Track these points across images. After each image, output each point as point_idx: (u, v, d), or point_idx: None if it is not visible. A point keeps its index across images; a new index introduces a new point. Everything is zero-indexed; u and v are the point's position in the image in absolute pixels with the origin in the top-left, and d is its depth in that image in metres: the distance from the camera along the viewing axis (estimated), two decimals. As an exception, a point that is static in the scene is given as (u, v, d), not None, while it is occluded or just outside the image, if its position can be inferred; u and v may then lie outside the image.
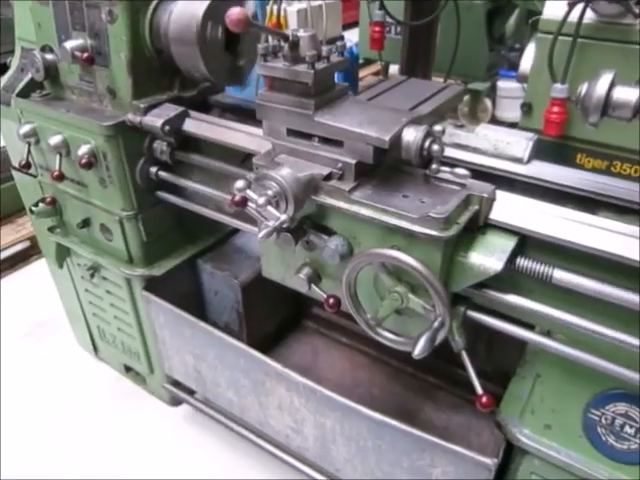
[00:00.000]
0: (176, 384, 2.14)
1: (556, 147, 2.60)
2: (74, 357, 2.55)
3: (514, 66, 4.19)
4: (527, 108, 2.65)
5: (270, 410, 1.77)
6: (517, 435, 1.31)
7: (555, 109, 2.42)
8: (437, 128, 1.11)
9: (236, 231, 2.14)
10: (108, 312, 2.16)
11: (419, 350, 1.08)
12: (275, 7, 3.04)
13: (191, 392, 2.14)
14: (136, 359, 2.21)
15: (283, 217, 1.10)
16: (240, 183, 1.12)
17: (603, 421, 1.21)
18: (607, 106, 1.05)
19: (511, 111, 4.18)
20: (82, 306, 2.29)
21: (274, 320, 2.28)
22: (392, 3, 3.21)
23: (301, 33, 1.16)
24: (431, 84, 1.57)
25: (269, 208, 1.11)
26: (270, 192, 1.12)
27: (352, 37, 4.91)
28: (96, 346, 2.43)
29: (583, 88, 1.08)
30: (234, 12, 1.00)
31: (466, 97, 4.34)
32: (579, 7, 2.21)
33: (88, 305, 2.25)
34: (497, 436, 1.54)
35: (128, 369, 2.37)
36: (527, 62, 2.75)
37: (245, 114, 1.74)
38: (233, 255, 2.08)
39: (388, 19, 3.46)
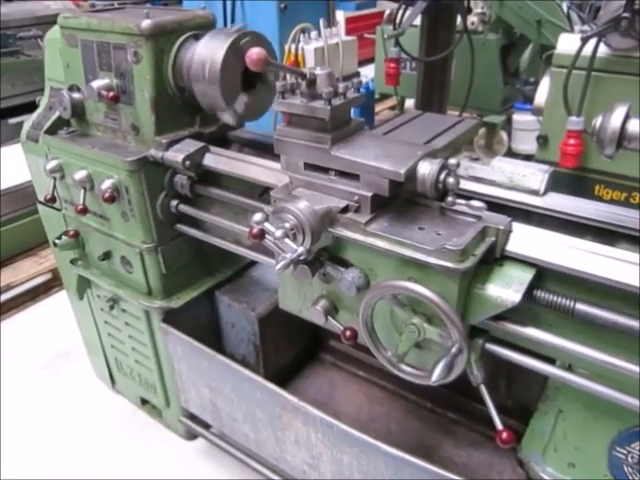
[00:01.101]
0: (192, 417, 2.13)
1: (573, 179, 2.60)
2: (91, 389, 2.56)
3: (529, 99, 4.23)
4: (543, 140, 2.67)
5: (287, 445, 1.75)
6: (540, 473, 1.27)
7: (571, 141, 2.43)
8: (452, 161, 1.12)
9: (253, 263, 2.16)
10: (126, 344, 2.17)
11: (436, 376, 1.07)
12: (293, 46, 3.13)
13: (207, 426, 2.12)
14: (152, 392, 2.21)
15: (300, 249, 1.11)
16: (258, 216, 1.14)
17: (630, 460, 1.17)
18: (622, 138, 1.06)
19: (527, 143, 4.20)
20: (101, 338, 2.31)
21: (291, 352, 2.26)
22: (407, 39, 3.29)
23: (318, 71, 1.20)
24: (446, 118, 1.60)
25: (286, 240, 1.12)
26: (287, 225, 1.14)
27: (368, 73, 5.03)
28: (113, 378, 2.44)
29: (598, 121, 1.09)
30: (254, 52, 1.04)
31: (482, 130, 4.38)
32: (592, 41, 2.25)
33: (107, 337, 2.27)
34: (519, 474, 1.50)
35: (144, 402, 2.37)
36: (542, 95, 2.79)
37: (263, 149, 1.78)
38: (250, 287, 2.09)
39: (403, 55, 3.55)
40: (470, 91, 3.87)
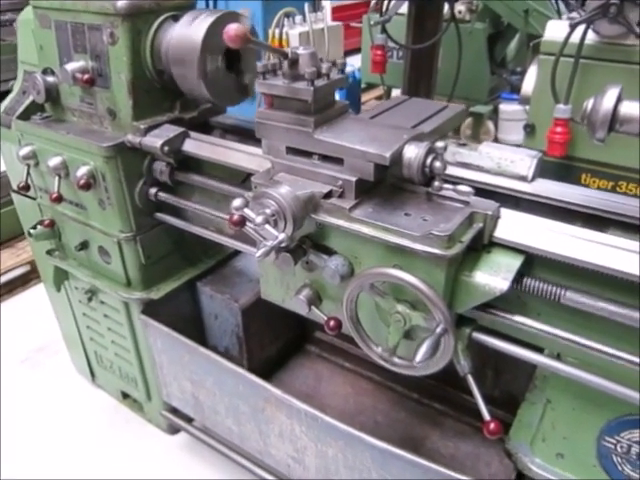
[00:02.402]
0: (174, 411, 2.08)
1: (560, 168, 2.58)
2: (71, 383, 2.49)
3: (516, 89, 4.21)
4: (530, 129, 2.64)
5: (271, 438, 1.71)
6: (528, 464, 1.25)
7: (558, 129, 2.41)
8: (439, 145, 1.08)
9: (237, 253, 2.12)
10: (105, 337, 2.12)
11: (421, 356, 1.02)
12: (277, 30, 3.06)
13: (189, 420, 2.08)
14: (133, 385, 2.16)
15: (281, 236, 1.07)
16: (237, 202, 1.09)
17: (618, 449, 1.15)
18: (614, 121, 1.02)
19: (514, 133, 4.18)
20: (79, 331, 2.25)
21: (276, 344, 2.22)
22: (394, 28, 3.24)
23: (301, 51, 1.15)
24: (432, 103, 1.55)
25: (267, 227, 1.08)
26: (268, 211, 1.09)
27: (355, 63, 4.97)
28: (93, 372, 2.38)
29: (589, 103, 1.06)
30: (232, 28, 0.99)
31: (468, 120, 4.36)
32: (580, 28, 2.22)
33: (86, 330, 2.21)
34: (507, 466, 1.47)
35: (125, 396, 2.32)
36: (529, 84, 2.76)
37: (246, 135, 1.73)
38: (233, 278, 2.04)
39: (390, 44, 3.50)
40: (457, 80, 3.83)
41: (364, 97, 5.50)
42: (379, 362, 1.21)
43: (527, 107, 2.98)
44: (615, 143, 2.40)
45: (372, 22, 3.40)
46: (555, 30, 2.35)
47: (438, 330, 1.04)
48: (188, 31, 1.53)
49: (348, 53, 6.23)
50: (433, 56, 3.71)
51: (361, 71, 4.83)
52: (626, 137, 2.31)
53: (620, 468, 1.16)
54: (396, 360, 1.19)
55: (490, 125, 4.40)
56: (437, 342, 1.04)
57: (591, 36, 2.24)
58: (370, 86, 5.53)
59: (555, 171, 2.57)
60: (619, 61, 2.25)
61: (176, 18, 1.60)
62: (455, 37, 3.65)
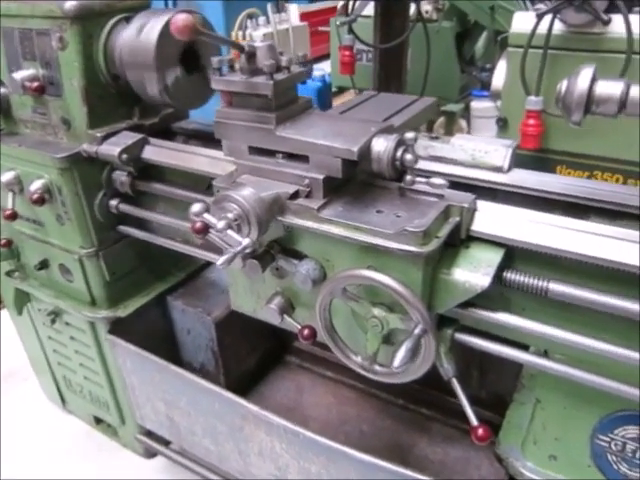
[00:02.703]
0: (149, 434, 1.98)
1: (535, 161, 2.55)
2: (41, 411, 2.37)
3: (486, 86, 4.21)
4: (503, 123, 2.62)
5: (250, 457, 1.62)
6: (520, 469, 1.18)
7: (531, 121, 2.38)
8: (409, 136, 1.02)
9: (209, 264, 2.03)
10: (73, 360, 2.01)
11: (399, 361, 0.95)
12: (240, 33, 2.99)
13: (166, 442, 1.98)
14: (105, 409, 2.05)
15: (246, 241, 0.99)
16: (197, 207, 1.02)
17: (613, 447, 1.09)
18: (590, 102, 0.97)
19: (486, 130, 4.17)
20: (46, 355, 2.13)
21: (254, 357, 2.14)
22: (361, 29, 3.20)
23: (258, 43, 1.08)
24: (402, 97, 1.50)
25: (230, 232, 1.00)
26: (230, 215, 1.01)
27: (325, 68, 4.93)
28: (63, 397, 2.26)
29: (563, 85, 1.01)
30: (179, 19, 0.91)
31: (441, 119, 4.34)
32: (547, 18, 2.20)
33: (52, 354, 2.09)
34: (497, 468, 1.41)
35: (98, 421, 2.20)
36: (499, 78, 2.74)
37: (211, 140, 1.64)
38: (206, 290, 1.95)
39: (359, 46, 3.46)
40: (427, 80, 3.80)
41: (336, 101, 5.45)
42: (360, 372, 1.14)
43: (498, 103, 2.96)
44: (589, 133, 2.39)
45: (338, 22, 3.35)
46: (522, 22, 2.33)
47: (417, 331, 0.97)
48: (143, 30, 1.45)
49: (318, 59, 6.21)
50: (402, 56, 3.68)
51: (331, 75, 4.79)
52: (600, 126, 2.29)
53: (616, 467, 1.10)
54: (377, 368, 1.12)
55: (463, 123, 4.39)
56: (416, 344, 0.97)
57: (558, 26, 2.22)
58: (341, 90, 5.48)
59: (530, 164, 2.53)
60: (587, 50, 2.24)
61: (129, 20, 1.52)
62: (423, 37, 3.63)
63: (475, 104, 4.35)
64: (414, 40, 3.75)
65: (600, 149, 2.39)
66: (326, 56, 5.32)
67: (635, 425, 1.06)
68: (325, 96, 4.56)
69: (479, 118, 4.31)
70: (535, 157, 2.52)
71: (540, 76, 2.37)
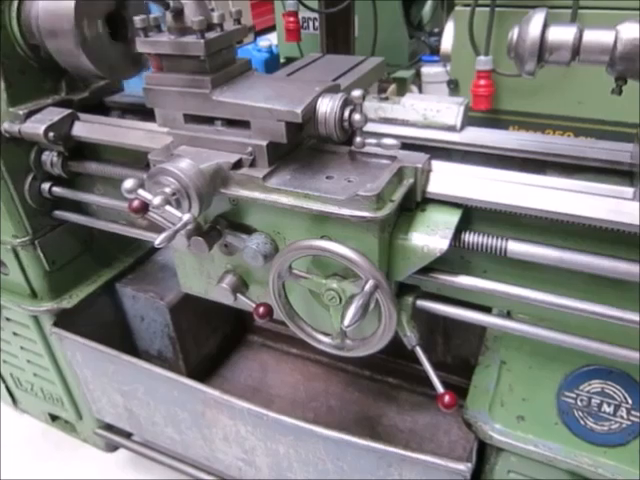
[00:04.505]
0: (109, 428, 1.89)
1: (486, 122, 2.53)
2: (-8, 412, 2.24)
3: (435, 51, 4.16)
4: (454, 85, 2.58)
5: (216, 443, 1.56)
6: (489, 432, 1.17)
7: (482, 82, 2.35)
8: (356, 94, 0.95)
9: (158, 248, 1.92)
10: (19, 357, 1.88)
11: (349, 319, 0.88)
12: None
13: (128, 434, 1.89)
14: (60, 405, 1.94)
15: (186, 217, 0.91)
16: (129, 183, 0.92)
17: (579, 403, 1.09)
18: (543, 50, 0.92)
19: (438, 95, 4.14)
20: (-10, 354, 2.00)
21: (214, 339, 2.06)
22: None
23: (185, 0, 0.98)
24: (349, 58, 1.42)
25: (168, 208, 0.91)
26: (168, 190, 0.93)
27: (272, 39, 4.76)
28: (14, 397, 2.13)
29: (514, 33, 0.95)
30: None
31: (392, 86, 4.27)
32: (493, -27, 2.14)
33: (-4, 352, 1.96)
34: (465, 431, 1.40)
35: (54, 418, 2.09)
36: (448, 40, 2.69)
37: (150, 113, 1.53)
38: (157, 274, 1.85)
39: (305, 14, 3.34)
40: (375, 46, 3.73)
41: (285, 73, 5.31)
42: (334, 352, 1.09)
43: (448, 67, 2.92)
44: (539, 91, 2.38)
45: (281, -12, 3.22)
46: (468, -21, 2.27)
47: (367, 288, 0.91)
48: (59, -2, 1.31)
49: (263, 31, 6.01)
50: (348, 22, 3.59)
51: (278, 46, 4.64)
52: (548, 84, 2.26)
53: (582, 422, 1.09)
54: (349, 343, 1.06)
55: (414, 89, 4.34)
56: (367, 301, 0.90)
57: (505, -18, 2.18)
58: (289, 61, 5.33)
59: (481, 125, 2.48)
60: (533, 7, 2.20)
61: (45, -17, 1.37)
62: (370, 3, 3.54)
63: (425, 69, 4.31)
64: (360, 6, 3.66)
65: (550, 107, 2.39)
66: (272, 28, 5.14)
67: (599, 379, 1.05)
68: (273, 68, 4.42)
69: (430, 83, 4.27)
70: (487, 118, 2.50)
71: (489, 35, 2.33)
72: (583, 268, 0.93)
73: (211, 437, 1.55)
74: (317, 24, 4.22)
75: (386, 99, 1.32)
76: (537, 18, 0.93)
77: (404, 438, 1.78)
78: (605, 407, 1.07)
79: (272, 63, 4.46)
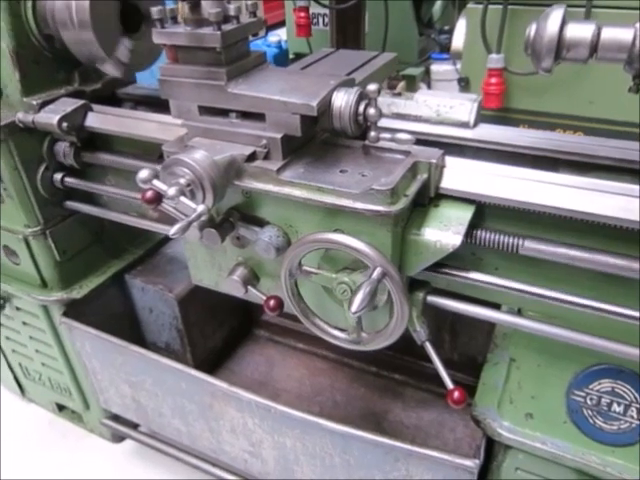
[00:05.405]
0: (116, 418, 1.90)
1: (497, 120, 2.52)
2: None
3: (445, 49, 4.15)
4: (464, 83, 2.57)
5: (223, 435, 1.57)
6: (497, 429, 1.17)
7: (493, 80, 2.34)
8: (371, 88, 0.95)
9: (168, 239, 1.93)
10: (28, 347, 1.90)
11: (357, 306, 0.88)
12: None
13: (135, 425, 1.91)
14: (67, 396, 1.96)
15: (200, 208, 0.91)
16: (144, 173, 0.92)
17: (588, 402, 1.08)
18: (560, 47, 0.92)
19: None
20: (-1, 343, 2.02)
21: (221, 332, 2.07)
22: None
23: (202, -9, 0.98)
24: (362, 53, 1.42)
25: (182, 199, 0.92)
26: (182, 180, 0.93)
27: (282, 35, 4.76)
28: (22, 386, 2.15)
29: (532, 29, 0.95)
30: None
31: (401, 83, 4.26)
32: (508, -31, 2.13)
33: (5, 341, 1.98)
34: (472, 429, 1.40)
35: (61, 407, 2.11)
36: (459, 38, 2.68)
37: (161, 105, 1.54)
38: (166, 266, 1.86)
39: (315, 9, 3.34)
40: (385, 43, 3.73)
41: (294, 68, 5.30)
42: (349, 347, 1.09)
43: (458, 65, 2.91)
44: (550, 90, 2.37)
45: (292, -16, 3.22)
46: (481, -24, 2.26)
47: (374, 275, 0.91)
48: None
49: (273, 27, 6.00)
50: (359, 19, 3.58)
51: (287, 42, 4.64)
52: (560, 83, 2.25)
53: (591, 421, 1.09)
54: (365, 336, 1.06)
55: (423, 87, 4.33)
56: (374, 288, 0.90)
57: (518, -21, 2.17)
58: (298, 56, 5.32)
59: (492, 124, 2.50)
60: (547, 5, 2.19)
61: (60, -27, 1.38)
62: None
63: (435, 67, 4.29)
64: (371, 3, 3.65)
65: (561, 107, 2.38)
66: (282, 23, 5.14)
67: (610, 378, 1.05)
68: (282, 63, 4.42)
69: (439, 81, 4.25)
70: (497, 117, 2.49)
71: (501, 33, 2.32)
72: (595, 266, 0.93)
73: (218, 429, 1.56)
74: (327, 20, 4.21)
75: (399, 95, 1.32)
76: (555, 14, 0.93)
77: (409, 434, 1.79)
78: (615, 406, 1.07)
79: (281, 58, 4.46)
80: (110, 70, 1.41)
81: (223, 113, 1.03)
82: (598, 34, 0.90)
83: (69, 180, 1.51)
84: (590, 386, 1.07)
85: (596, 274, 0.95)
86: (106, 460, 2.01)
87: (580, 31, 0.91)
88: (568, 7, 2.12)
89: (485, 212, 1.03)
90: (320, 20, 4.39)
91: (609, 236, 0.93)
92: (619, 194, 0.91)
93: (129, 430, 1.90)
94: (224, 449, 1.62)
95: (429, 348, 1.10)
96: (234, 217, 1.06)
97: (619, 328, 0.95)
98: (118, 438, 2.02)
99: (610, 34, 0.90)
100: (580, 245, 0.95)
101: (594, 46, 0.91)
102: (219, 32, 0.95)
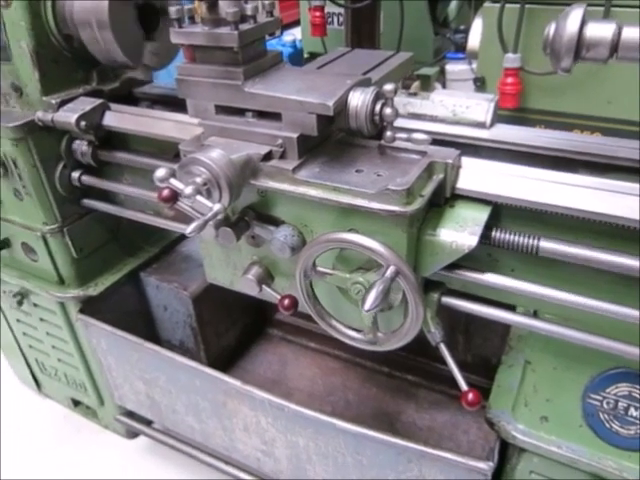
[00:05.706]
0: (130, 414, 1.92)
1: (513, 120, 2.50)
2: (16, 396, 2.28)
3: (460, 48, 4.12)
4: (480, 83, 2.55)
5: (236, 433, 1.57)
6: (512, 432, 1.16)
7: (509, 80, 2.32)
8: (388, 88, 0.95)
9: (183, 237, 1.95)
10: (45, 342, 1.92)
11: (370, 304, 0.87)
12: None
13: (148, 422, 1.92)
14: (83, 391, 1.98)
15: (217, 207, 0.92)
16: (161, 172, 0.93)
17: (605, 406, 1.07)
18: (580, 46, 0.91)
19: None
20: (16, 338, 2.04)
21: (234, 331, 2.08)
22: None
23: (219, -9, 0.99)
24: (378, 53, 1.41)
25: (199, 198, 0.92)
26: (199, 179, 0.93)
27: (296, 34, 4.77)
28: (38, 381, 2.18)
29: (551, 28, 0.94)
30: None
31: (416, 83, 4.25)
32: (526, -32, 2.11)
33: (23, 337, 2.00)
34: (485, 431, 1.39)
35: (76, 403, 2.13)
36: (475, 38, 2.66)
37: (178, 104, 1.55)
38: (180, 264, 1.88)
39: (330, 9, 3.34)
40: (400, 43, 3.71)
41: (308, 68, 5.30)
42: (367, 348, 1.08)
43: (474, 65, 2.88)
44: (567, 90, 2.34)
45: (308, -17, 3.22)
46: (498, -25, 2.24)
47: (388, 273, 0.90)
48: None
49: (288, 26, 6.01)
50: (374, 18, 3.56)
51: (302, 41, 4.64)
52: (577, 83, 2.22)
53: (608, 425, 1.08)
54: (381, 336, 1.06)
55: (438, 86, 4.30)
56: (388, 287, 0.89)
57: (536, -22, 2.15)
58: (313, 56, 5.33)
59: (508, 124, 2.48)
60: (565, 4, 2.16)
61: (80, -27, 1.39)
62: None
63: (450, 67, 4.26)
64: (386, 2, 3.64)
65: (579, 107, 2.35)
66: (296, 22, 5.15)
67: (627, 382, 1.03)
68: (297, 62, 4.43)
69: (455, 81, 4.23)
70: (513, 117, 2.47)
71: (518, 32, 2.30)
72: (613, 268, 0.92)
73: (231, 427, 1.57)
74: (342, 19, 4.21)
75: (415, 94, 1.32)
76: (575, 14, 0.92)
77: (422, 436, 1.78)
78: (632, 411, 1.05)
79: (296, 58, 4.47)
80: (127, 69, 1.42)
81: (240, 112, 1.03)
82: (619, 34, 0.89)
83: (86, 178, 1.53)
84: (607, 390, 1.06)
85: (614, 276, 0.94)
86: (120, 456, 2.03)
87: (600, 31, 0.90)
88: (587, 6, 2.09)
89: (501, 213, 1.02)
90: (335, 19, 4.39)
91: (627, 238, 0.92)
92: (638, 195, 0.89)
93: (143, 426, 1.92)
94: (237, 447, 1.63)
95: (444, 349, 1.09)
96: (249, 216, 1.07)
97: (637, 331, 0.94)
98: (132, 434, 2.04)
99: (631, 34, 0.88)
100: (599, 247, 0.94)
101: (614, 46, 0.90)
102: (236, 32, 0.95)
